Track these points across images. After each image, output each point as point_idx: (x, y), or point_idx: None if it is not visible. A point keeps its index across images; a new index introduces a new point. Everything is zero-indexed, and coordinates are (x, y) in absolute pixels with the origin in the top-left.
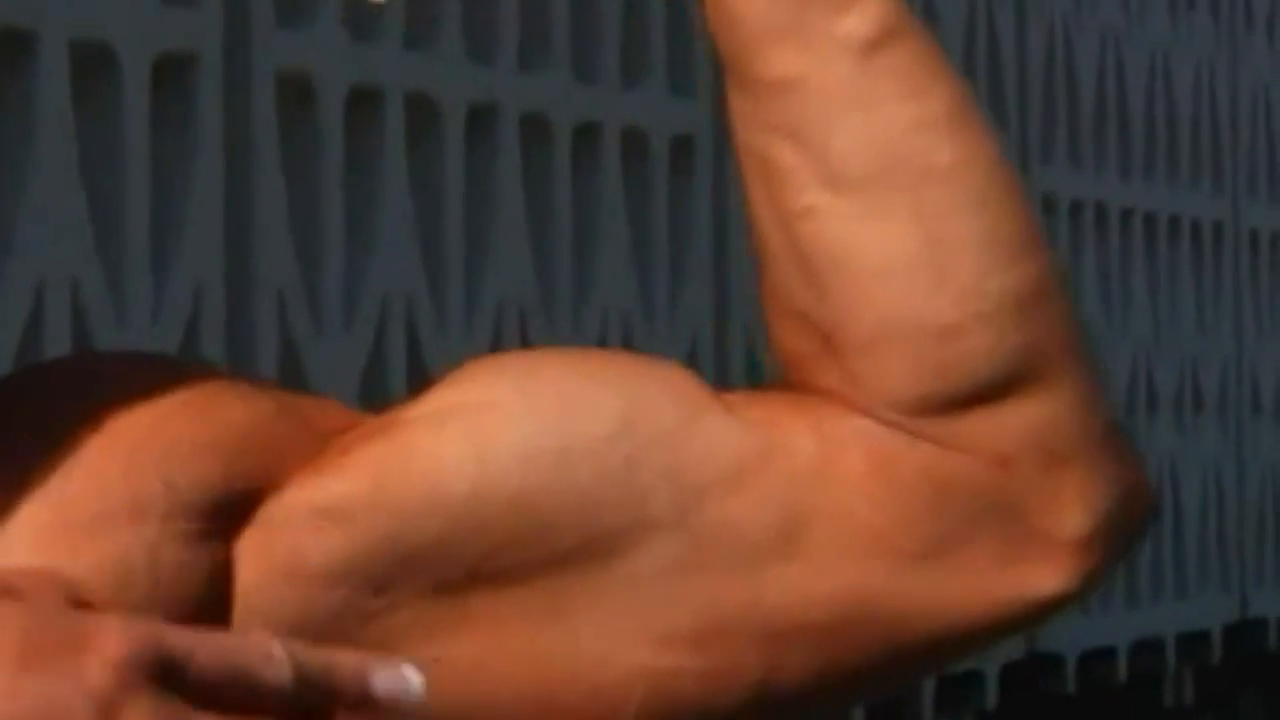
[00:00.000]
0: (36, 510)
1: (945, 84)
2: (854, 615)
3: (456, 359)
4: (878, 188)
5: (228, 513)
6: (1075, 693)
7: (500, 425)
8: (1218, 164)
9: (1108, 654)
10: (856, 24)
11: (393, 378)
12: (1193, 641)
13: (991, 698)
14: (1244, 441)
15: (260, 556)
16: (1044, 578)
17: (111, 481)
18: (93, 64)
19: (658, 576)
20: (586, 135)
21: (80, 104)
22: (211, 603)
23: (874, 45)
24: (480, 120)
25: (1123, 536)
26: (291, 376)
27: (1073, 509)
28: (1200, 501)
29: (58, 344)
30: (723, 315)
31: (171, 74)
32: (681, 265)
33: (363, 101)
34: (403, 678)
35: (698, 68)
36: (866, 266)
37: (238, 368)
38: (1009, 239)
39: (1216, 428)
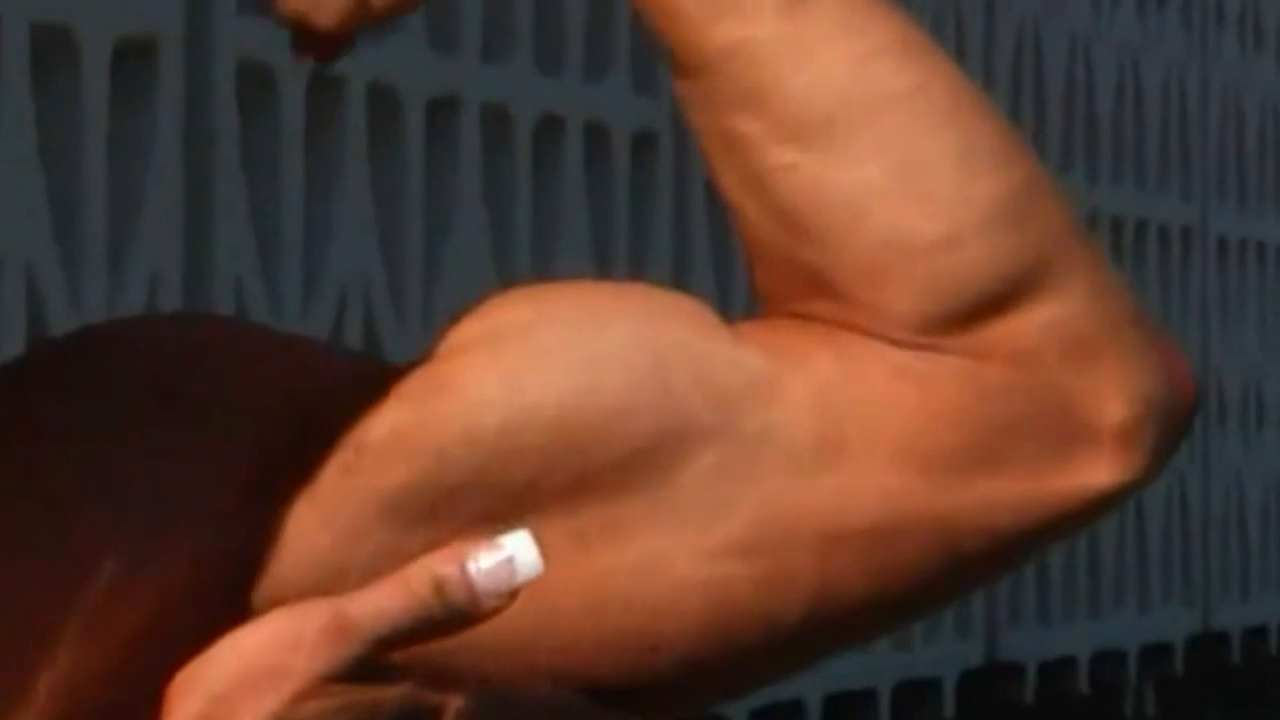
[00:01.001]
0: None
1: (883, 18)
2: (904, 521)
3: (415, 349)
4: (839, 129)
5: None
6: (1034, 702)
7: (524, 346)
8: (1187, 168)
9: (1068, 663)
10: None
11: None
12: (1154, 653)
13: (949, 706)
14: (1209, 451)
15: (304, 502)
16: (1095, 471)
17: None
18: (53, 46)
19: (704, 485)
20: (548, 128)
21: (40, 86)
22: (261, 555)
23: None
24: (441, 111)
25: (1169, 421)
26: None
27: (1111, 399)
28: (1164, 512)
29: (12, 327)
30: None
31: (132, 58)
32: (641, 261)
33: (324, 90)
34: (506, 560)
35: (660, 63)
36: (847, 205)
37: None
38: (986, 147)
39: None
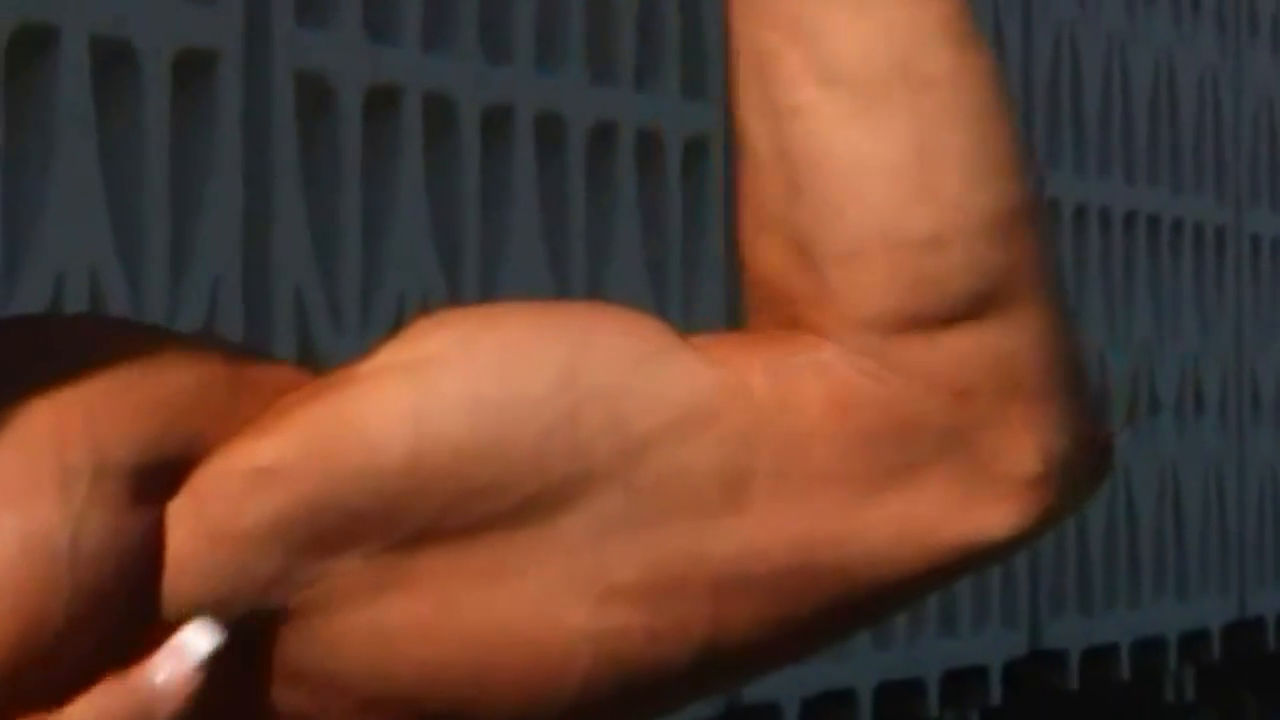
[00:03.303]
0: None
1: None
2: (803, 564)
3: None
4: (871, 89)
5: (162, 477)
6: (1078, 689)
7: (439, 381)
8: (1221, 169)
9: (1110, 651)
10: None
11: None
12: (1193, 640)
13: (995, 694)
14: (1244, 443)
15: (191, 520)
16: (994, 517)
17: (41, 449)
18: (114, 60)
19: (601, 532)
20: (601, 136)
21: (101, 99)
22: (141, 570)
23: None
24: (496, 120)
25: (1076, 483)
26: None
27: (1028, 448)
28: (1201, 502)
29: None
30: (736, 316)
31: (192, 70)
32: (696, 266)
33: (381, 100)
34: (181, 653)
35: (712, 70)
36: (850, 167)
37: None
38: (996, 155)
39: (1217, 429)
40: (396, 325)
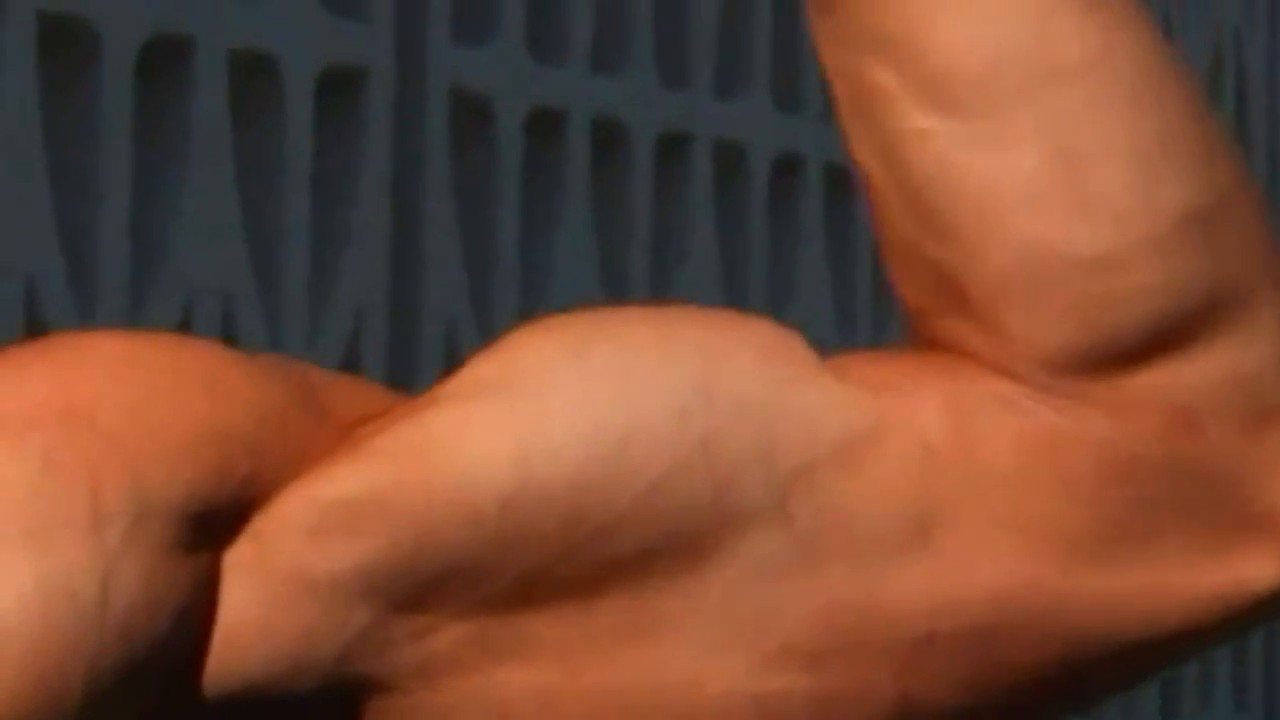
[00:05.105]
0: None
1: None
2: (1007, 623)
3: None
4: (991, 98)
5: (216, 521)
6: None
7: (544, 400)
8: None
9: None
10: None
11: None
12: None
13: None
14: None
15: (253, 570)
16: (1261, 564)
17: (70, 490)
18: (254, 74)
19: (757, 580)
20: (786, 167)
21: (240, 114)
22: (188, 631)
23: None
24: (671, 147)
25: None
26: None
27: None
28: None
29: None
30: None
31: (339, 88)
32: (883, 294)
33: (543, 123)
34: None
35: None
36: (989, 195)
37: None
38: (1177, 142)
39: None
40: None
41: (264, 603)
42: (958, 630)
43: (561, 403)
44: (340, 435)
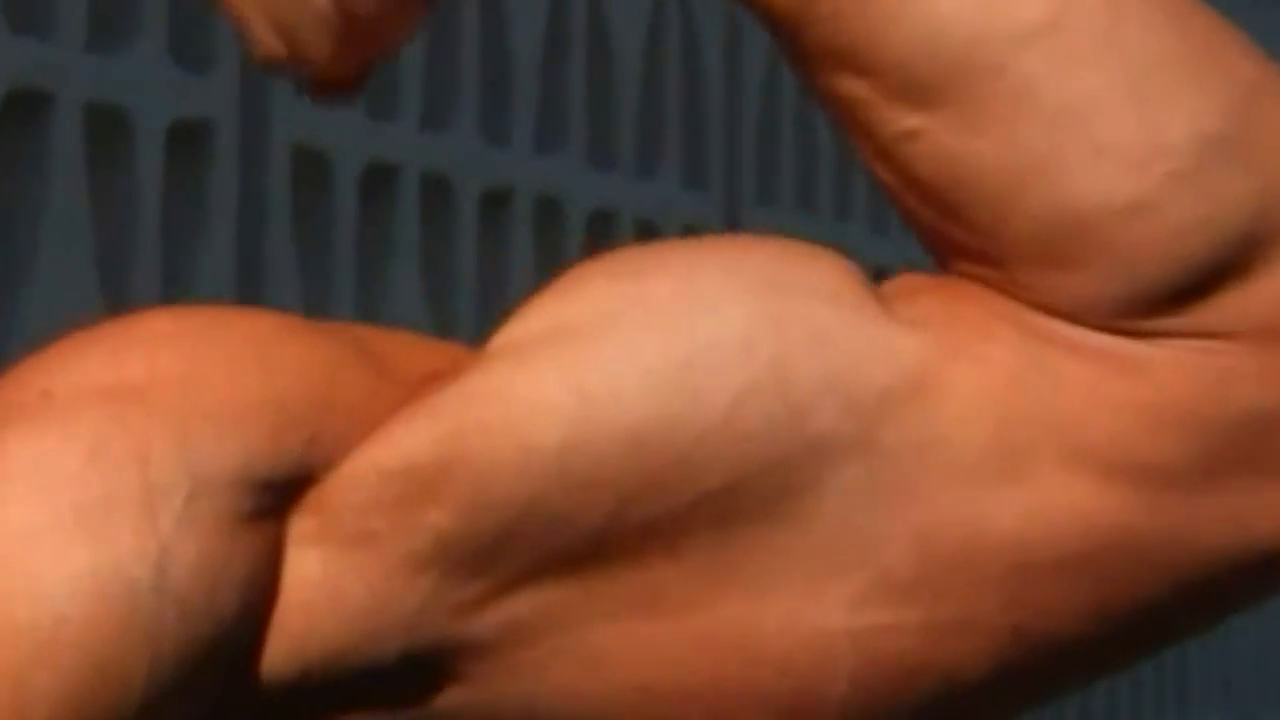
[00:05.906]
0: (35, 500)
1: None
2: (1115, 544)
3: None
4: (962, 81)
5: (276, 492)
6: None
7: (600, 345)
8: None
9: None
10: None
11: None
12: None
13: None
14: None
15: (319, 543)
16: None
17: (120, 467)
18: (108, 128)
19: (851, 511)
20: (600, 222)
21: (94, 168)
22: (250, 605)
23: None
24: (494, 202)
25: None
26: None
27: None
28: None
29: None
30: None
31: (187, 141)
32: None
33: (377, 178)
34: None
35: (711, 160)
36: (994, 173)
37: None
38: (1170, 67)
39: None
40: None
41: (332, 574)
42: (1060, 559)
43: (618, 340)
44: (400, 393)
